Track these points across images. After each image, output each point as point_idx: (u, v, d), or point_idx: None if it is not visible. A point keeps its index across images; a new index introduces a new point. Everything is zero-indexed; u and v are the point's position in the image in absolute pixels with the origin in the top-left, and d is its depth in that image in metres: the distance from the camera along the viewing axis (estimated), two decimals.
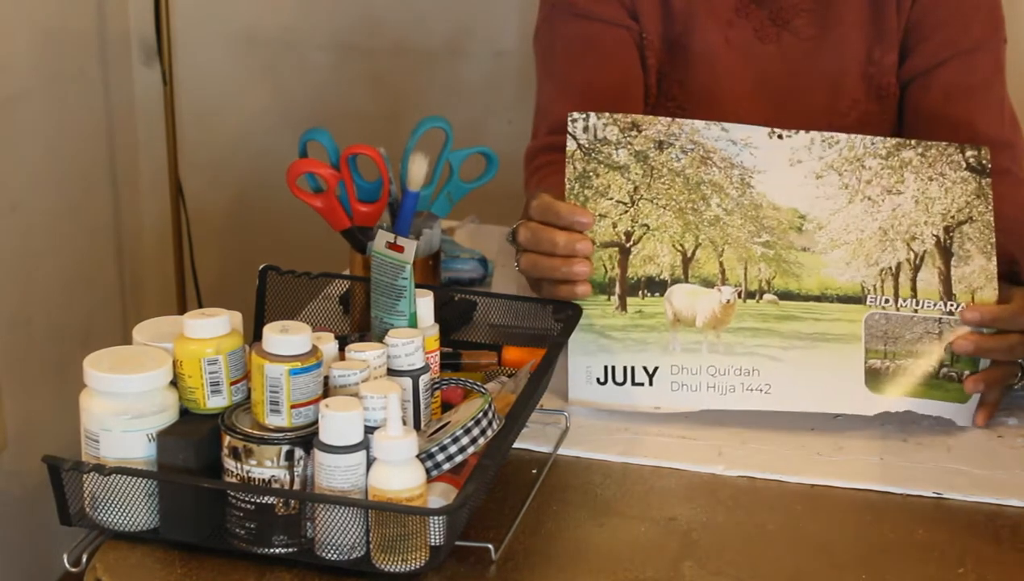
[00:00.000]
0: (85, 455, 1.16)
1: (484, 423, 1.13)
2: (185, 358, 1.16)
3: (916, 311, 1.37)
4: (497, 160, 1.53)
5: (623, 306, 1.39)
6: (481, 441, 1.13)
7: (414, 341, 1.19)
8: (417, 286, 1.26)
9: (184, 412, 1.17)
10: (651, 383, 1.38)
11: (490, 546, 1.13)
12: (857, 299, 1.38)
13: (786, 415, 1.37)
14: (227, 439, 1.12)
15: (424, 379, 1.19)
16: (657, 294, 1.38)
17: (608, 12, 1.72)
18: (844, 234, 1.39)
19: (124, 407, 1.14)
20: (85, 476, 1.14)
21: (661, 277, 1.39)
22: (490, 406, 1.15)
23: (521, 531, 1.18)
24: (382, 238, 1.28)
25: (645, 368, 1.38)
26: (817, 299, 1.38)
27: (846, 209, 1.39)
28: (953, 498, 1.25)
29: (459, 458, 1.13)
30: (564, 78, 1.75)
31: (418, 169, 1.43)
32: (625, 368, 1.38)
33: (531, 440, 1.31)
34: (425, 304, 1.26)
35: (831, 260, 1.39)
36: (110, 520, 1.14)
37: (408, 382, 1.18)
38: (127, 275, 2.76)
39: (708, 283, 1.39)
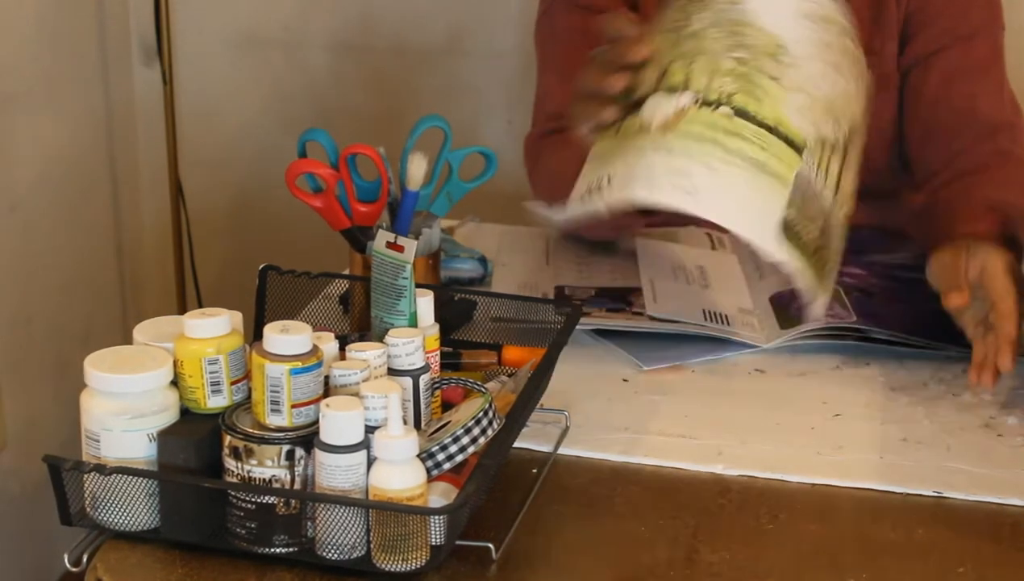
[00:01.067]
0: (85, 455, 1.16)
1: (484, 422, 1.14)
2: (186, 358, 1.16)
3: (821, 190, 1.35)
4: (496, 160, 1.53)
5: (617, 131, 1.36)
6: (482, 440, 1.13)
7: (414, 341, 1.19)
8: (417, 286, 1.26)
9: (184, 412, 1.17)
10: (605, 185, 1.33)
11: (490, 546, 1.13)
12: (798, 149, 1.32)
13: (786, 414, 1.37)
14: (228, 439, 1.12)
15: (424, 379, 1.19)
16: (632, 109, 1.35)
17: (608, 4, 1.73)
18: (808, 82, 1.34)
19: (124, 407, 1.14)
20: (85, 476, 1.14)
21: (642, 92, 1.34)
22: (490, 405, 1.15)
23: (521, 531, 1.18)
24: (382, 238, 1.28)
25: (609, 177, 1.33)
26: (769, 129, 1.32)
27: (816, 60, 1.35)
28: (953, 497, 1.25)
29: (459, 457, 1.13)
30: (564, 68, 1.75)
31: (417, 169, 1.43)
32: (591, 182, 1.34)
33: (531, 440, 1.32)
34: (425, 303, 1.26)
35: (792, 100, 1.33)
36: (111, 520, 1.14)
37: (408, 382, 1.18)
38: (127, 275, 2.76)
39: (672, 91, 1.33)
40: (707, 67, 1.32)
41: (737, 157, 1.30)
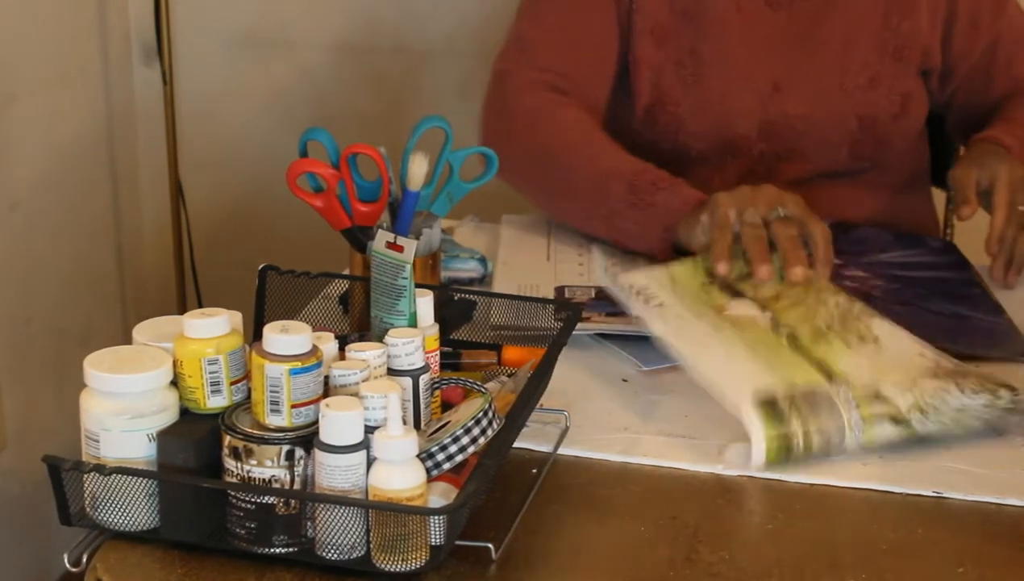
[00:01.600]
0: (85, 455, 1.16)
1: (484, 422, 1.14)
2: (185, 358, 1.16)
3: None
4: (497, 160, 1.53)
5: (711, 281, 1.47)
6: (481, 440, 1.13)
7: (414, 341, 1.19)
8: (417, 286, 1.26)
9: (184, 412, 1.17)
10: (653, 302, 1.43)
11: (490, 546, 1.13)
12: (828, 376, 1.32)
13: None
14: (227, 439, 1.12)
15: (424, 379, 1.19)
16: (728, 293, 1.45)
17: None
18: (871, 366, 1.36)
19: (124, 407, 1.14)
20: (85, 476, 1.14)
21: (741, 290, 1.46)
22: (490, 405, 1.15)
23: (521, 531, 1.18)
24: (382, 238, 1.28)
25: (662, 303, 1.43)
26: (808, 359, 1.36)
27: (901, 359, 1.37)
28: (953, 497, 1.25)
29: (459, 458, 1.13)
30: (563, 26, 1.83)
31: (418, 169, 1.43)
32: (650, 289, 1.45)
33: (531, 440, 1.31)
34: (425, 304, 1.26)
35: (850, 358, 1.36)
36: (110, 520, 1.14)
37: (408, 382, 1.18)
38: (127, 275, 2.76)
39: (765, 311, 1.42)
40: (807, 322, 1.40)
41: (755, 355, 1.36)
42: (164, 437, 1.14)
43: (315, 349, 1.14)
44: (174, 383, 1.16)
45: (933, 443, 1.30)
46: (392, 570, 1.08)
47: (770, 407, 1.27)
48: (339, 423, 1.09)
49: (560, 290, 1.63)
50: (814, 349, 1.36)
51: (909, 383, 1.31)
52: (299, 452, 1.11)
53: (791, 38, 1.79)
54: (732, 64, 1.79)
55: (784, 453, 1.26)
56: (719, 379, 1.32)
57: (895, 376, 1.32)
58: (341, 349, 1.21)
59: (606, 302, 1.58)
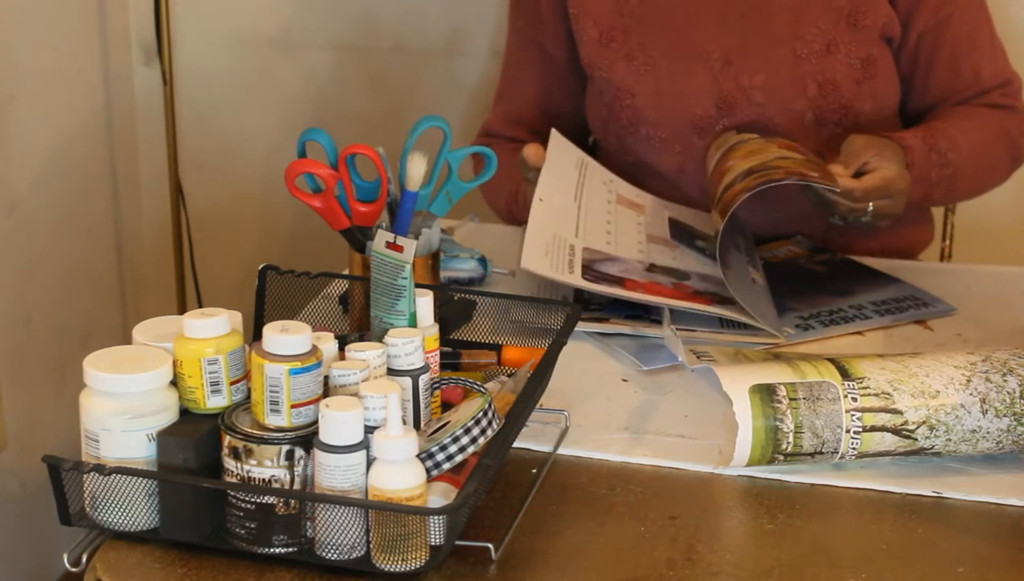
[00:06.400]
0: (85, 455, 1.16)
1: (484, 422, 1.14)
2: (185, 358, 1.16)
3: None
4: (496, 159, 1.53)
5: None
6: (481, 440, 1.13)
7: (414, 341, 1.19)
8: (416, 286, 1.26)
9: (184, 412, 1.17)
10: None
11: (490, 546, 1.13)
12: (844, 374, 1.27)
13: None
14: (227, 439, 1.13)
15: (424, 379, 1.19)
16: None
17: (539, 32, 1.90)
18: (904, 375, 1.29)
19: (124, 407, 1.14)
20: (85, 476, 1.14)
21: None
22: (490, 405, 1.15)
23: (521, 531, 1.18)
24: (382, 238, 1.28)
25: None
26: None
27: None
28: (953, 497, 1.25)
29: (459, 457, 1.13)
30: (502, 91, 1.99)
31: (417, 169, 1.43)
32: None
33: (531, 440, 1.32)
34: (425, 304, 1.26)
35: (879, 364, 1.29)
36: (110, 520, 1.14)
37: (408, 382, 1.18)
38: (127, 275, 2.76)
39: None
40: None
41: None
42: (164, 437, 1.14)
43: (315, 349, 1.14)
44: (174, 383, 1.17)
45: (935, 454, 1.28)
46: (392, 570, 1.08)
47: (767, 393, 1.25)
48: (339, 423, 1.09)
49: (579, 293, 1.59)
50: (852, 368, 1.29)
51: (930, 395, 1.26)
52: (299, 452, 1.11)
53: (741, 12, 1.80)
54: (681, 46, 1.81)
55: (771, 447, 1.25)
56: (726, 371, 1.29)
57: (916, 383, 1.26)
58: (341, 349, 1.21)
59: (625, 306, 1.57)
